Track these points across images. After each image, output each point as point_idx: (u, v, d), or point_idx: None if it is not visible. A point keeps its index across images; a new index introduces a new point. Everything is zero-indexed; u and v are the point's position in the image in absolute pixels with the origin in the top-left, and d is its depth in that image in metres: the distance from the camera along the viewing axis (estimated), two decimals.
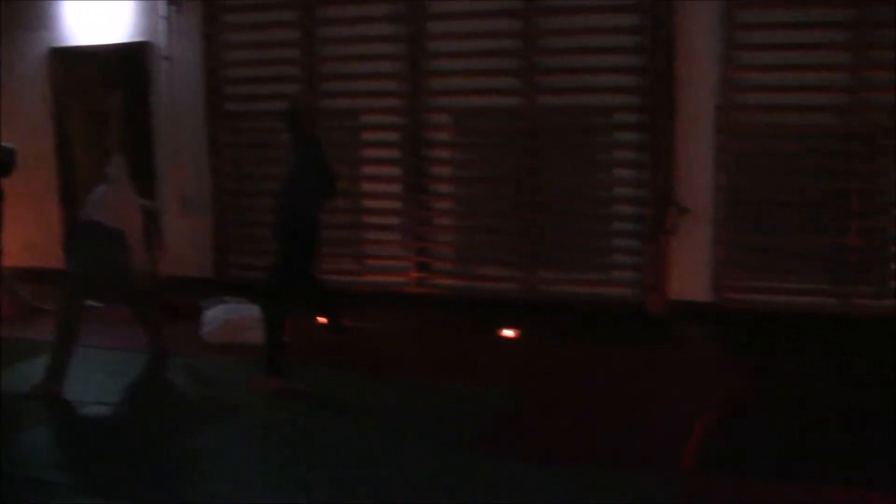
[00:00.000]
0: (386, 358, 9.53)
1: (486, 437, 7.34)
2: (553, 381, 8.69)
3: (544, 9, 10.96)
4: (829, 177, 10.48)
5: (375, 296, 11.63)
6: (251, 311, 9.88)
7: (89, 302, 9.25)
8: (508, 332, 10.17)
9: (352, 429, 7.53)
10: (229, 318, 10.14)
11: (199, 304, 10.71)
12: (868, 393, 8.20)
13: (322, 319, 10.06)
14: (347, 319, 9.95)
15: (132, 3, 12.46)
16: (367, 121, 11.97)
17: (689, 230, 10.59)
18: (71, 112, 13.15)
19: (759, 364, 9.11)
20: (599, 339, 10.06)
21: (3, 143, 10.88)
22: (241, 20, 12.14)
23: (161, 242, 9.75)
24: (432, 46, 11.45)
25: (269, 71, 12.02)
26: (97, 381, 8.71)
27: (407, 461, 6.86)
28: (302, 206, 8.84)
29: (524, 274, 11.30)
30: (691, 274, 10.69)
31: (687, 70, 10.50)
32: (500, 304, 11.17)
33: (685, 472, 6.64)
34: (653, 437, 7.25)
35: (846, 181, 10.34)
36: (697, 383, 8.56)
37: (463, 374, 8.94)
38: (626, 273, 10.99)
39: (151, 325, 9.42)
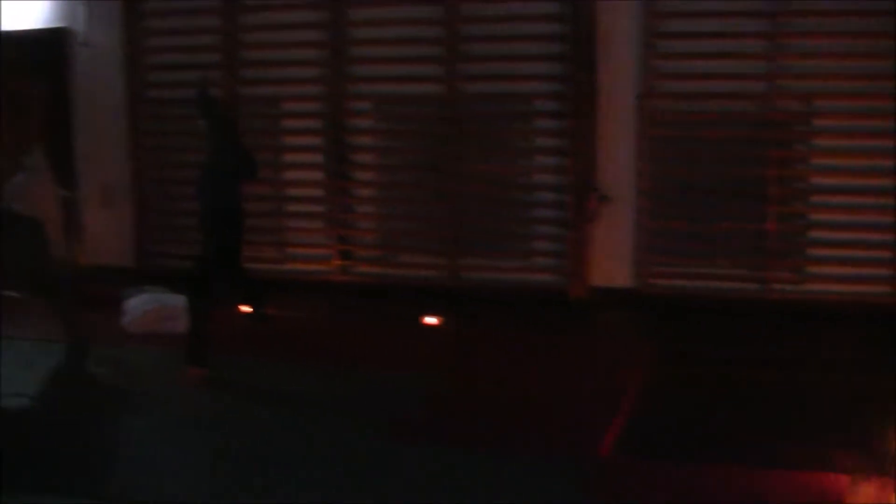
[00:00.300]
0: (309, 346, 9.49)
1: (407, 424, 7.34)
2: (475, 367, 8.71)
3: None
4: (749, 163, 10.55)
5: (298, 284, 11.56)
6: (174, 301, 9.80)
7: (6, 292, 9.14)
8: (431, 320, 10.18)
9: (275, 417, 7.51)
10: (151, 307, 10.05)
11: (121, 293, 10.61)
12: (785, 376, 8.31)
13: (245, 308, 10.01)
14: (271, 308, 9.91)
15: None
16: (289, 108, 11.89)
17: (611, 217, 10.63)
18: None
19: (680, 349, 9.18)
20: (522, 326, 10.08)
21: None
22: (161, 6, 11.97)
23: (81, 232, 9.64)
24: (353, 33, 11.40)
25: (190, 58, 11.87)
26: (15, 373, 8.60)
27: (330, 448, 6.85)
28: (222, 194, 8.78)
29: (447, 261, 11.29)
30: (613, 260, 10.73)
31: (608, 58, 10.53)
32: (423, 291, 11.16)
33: (605, 457, 6.69)
34: (573, 422, 7.29)
35: (765, 167, 10.43)
36: (618, 368, 8.61)
37: (385, 361, 8.93)
38: (548, 260, 11.02)
39: (69, 316, 9.30)
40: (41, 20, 12.34)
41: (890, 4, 9.93)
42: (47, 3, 12.30)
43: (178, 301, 9.38)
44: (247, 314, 9.96)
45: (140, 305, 10.13)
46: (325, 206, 11.77)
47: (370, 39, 11.31)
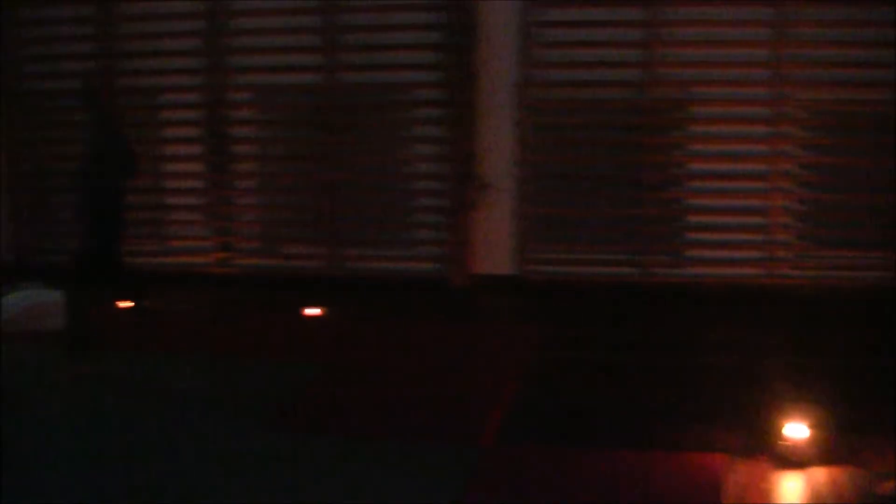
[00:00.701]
0: (191, 339, 9.39)
1: (290, 413, 7.28)
2: (359, 355, 8.66)
3: None
4: (627, 150, 10.63)
5: (180, 277, 11.40)
6: (52, 297, 9.64)
7: None
8: (313, 310, 10.12)
9: (157, 409, 7.41)
10: (28, 304, 9.89)
11: None
12: (665, 359, 8.41)
13: (126, 302, 9.87)
14: (152, 301, 9.79)
15: None
16: (168, 99, 11.73)
17: (491, 205, 10.63)
18: None
19: (562, 334, 9.21)
20: (404, 314, 10.05)
21: None
22: None
23: None
24: (233, 24, 11.28)
25: (67, 48, 11.65)
26: None
27: (211, 438, 6.79)
28: (103, 187, 8.65)
29: (328, 251, 11.22)
30: (493, 247, 10.73)
31: (487, 47, 10.53)
32: (306, 281, 11.10)
33: (487, 441, 6.70)
34: (457, 409, 7.29)
35: (642, 154, 10.54)
36: (500, 354, 8.64)
37: (267, 351, 8.83)
38: (429, 248, 10.99)
39: None
40: None
41: None
42: None
43: (56, 297, 9.22)
44: (127, 308, 9.82)
45: (18, 302, 9.94)
46: (205, 198, 11.60)
47: (249, 29, 11.17)
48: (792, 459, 6.20)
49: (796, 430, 6.31)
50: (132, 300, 9.67)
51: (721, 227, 10.52)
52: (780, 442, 6.30)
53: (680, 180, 10.69)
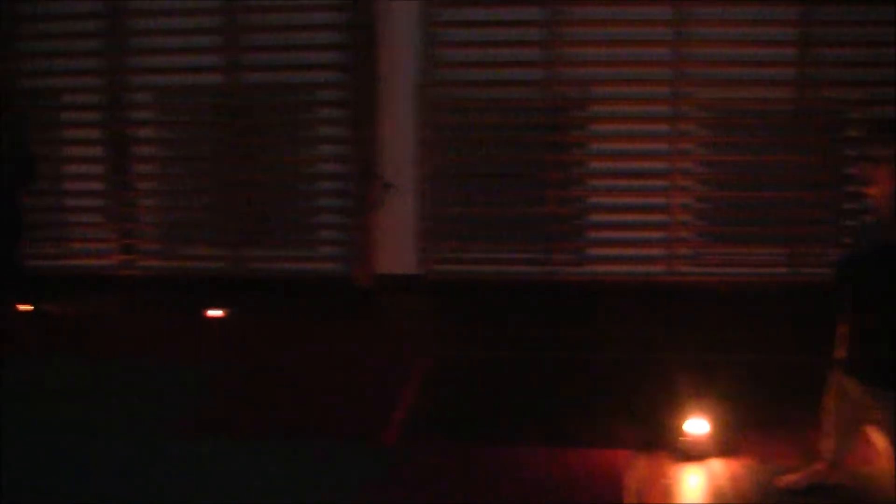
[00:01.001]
0: (92, 341, 9.21)
1: (195, 415, 7.15)
2: (262, 356, 8.56)
3: None
4: (529, 148, 10.60)
5: (81, 280, 11.17)
6: None
7: None
8: (216, 312, 9.96)
9: (56, 413, 7.26)
10: None
11: None
12: (569, 356, 8.39)
13: (26, 306, 9.69)
14: (52, 305, 9.62)
15: None
16: (68, 101, 11.48)
17: (394, 204, 10.52)
18: None
19: (466, 333, 9.18)
20: (308, 315, 9.91)
21: None
22: None
23: None
24: (133, 24, 11.06)
25: None
26: None
27: (111, 440, 6.65)
28: (1, 190, 8.48)
29: (231, 252, 11.05)
30: (397, 247, 10.63)
31: (389, 46, 10.43)
32: (209, 283, 10.94)
33: (391, 441, 6.64)
34: (361, 408, 7.22)
35: (545, 153, 10.52)
36: (404, 354, 8.56)
37: (171, 354, 8.69)
38: (333, 248, 10.87)
39: None
40: None
41: None
42: None
43: None
44: (27, 312, 9.63)
45: None
46: (106, 200, 11.37)
47: (150, 30, 10.95)
48: (693, 454, 6.21)
49: (697, 425, 6.31)
50: (32, 303, 9.50)
51: (623, 225, 10.55)
52: (681, 437, 6.29)
53: (582, 179, 10.70)
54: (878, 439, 4.87)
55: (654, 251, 10.58)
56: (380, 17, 10.38)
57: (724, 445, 6.34)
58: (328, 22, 10.56)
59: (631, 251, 10.58)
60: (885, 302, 4.82)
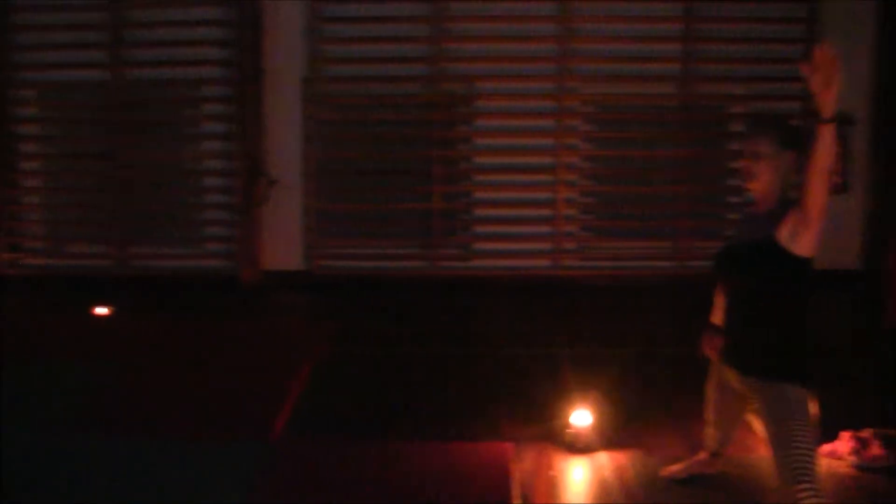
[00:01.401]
0: None
1: (81, 413, 6.96)
2: (148, 354, 8.35)
3: None
4: (414, 144, 10.53)
5: None
6: None
7: None
8: (103, 309, 9.73)
9: None
10: None
11: None
12: (454, 350, 8.33)
13: None
14: None
15: None
16: None
17: (280, 201, 10.37)
18: None
19: (352, 328, 9.08)
20: (194, 312, 9.69)
21: None
22: None
23: None
24: (16, 19, 10.76)
25: None
26: None
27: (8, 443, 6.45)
28: None
29: (116, 250, 10.81)
30: (283, 243, 10.49)
31: (274, 42, 10.29)
32: (95, 281, 10.68)
33: (279, 437, 6.52)
34: (248, 405, 7.08)
35: (430, 148, 10.45)
36: (291, 350, 8.43)
37: (57, 352, 8.48)
38: (219, 245, 10.68)
39: None
40: None
41: None
42: None
43: None
44: None
45: None
46: None
47: (34, 25, 10.67)
48: (578, 446, 6.18)
49: (583, 417, 6.27)
50: None
51: (508, 220, 10.52)
52: (567, 430, 6.25)
53: (467, 174, 10.66)
54: (758, 427, 4.86)
55: (540, 245, 10.56)
56: (265, 12, 10.24)
57: (609, 437, 6.31)
58: (213, 18, 10.38)
59: (516, 246, 10.55)
60: (760, 294, 4.81)
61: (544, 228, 10.54)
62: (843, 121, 10.18)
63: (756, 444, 5.74)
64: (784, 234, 4.65)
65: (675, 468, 5.81)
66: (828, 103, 4.29)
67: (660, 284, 10.35)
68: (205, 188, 10.76)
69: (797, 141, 4.84)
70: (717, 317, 5.25)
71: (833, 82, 4.25)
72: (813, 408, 4.76)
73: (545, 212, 10.49)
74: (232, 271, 10.49)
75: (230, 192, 10.49)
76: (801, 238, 4.61)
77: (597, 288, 10.40)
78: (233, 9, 10.26)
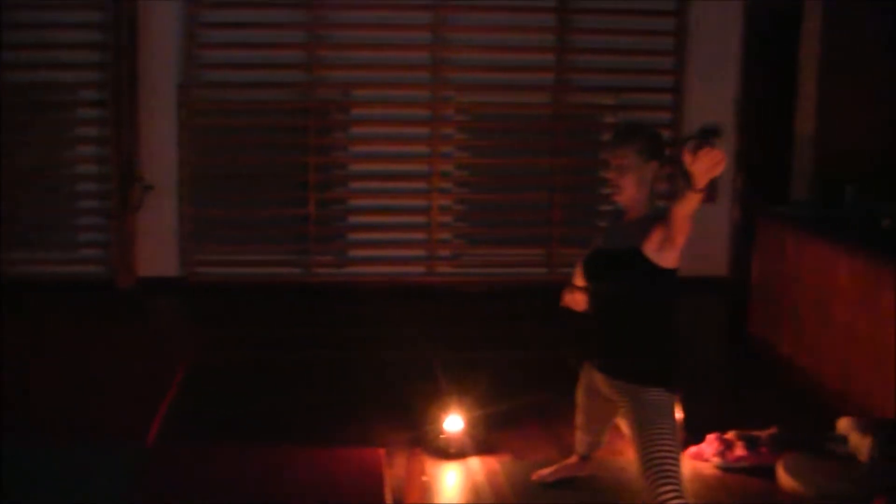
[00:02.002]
0: None
1: None
2: (22, 359, 8.20)
3: None
4: (290, 151, 10.48)
5: None
6: None
7: None
8: None
9: None
10: None
11: None
12: (329, 356, 8.32)
13: None
14: None
15: None
16: None
17: (155, 206, 10.20)
18: None
19: (226, 335, 9.01)
20: (69, 318, 9.55)
21: None
22: None
23: None
24: None
25: None
26: None
27: None
28: None
29: None
30: (158, 249, 10.30)
31: (149, 47, 10.12)
32: None
33: (153, 442, 6.43)
34: (121, 411, 6.99)
35: (306, 155, 10.38)
36: (165, 357, 8.34)
37: None
38: (94, 251, 10.48)
39: None
40: None
41: None
42: None
43: None
44: None
45: None
46: None
47: None
48: (451, 451, 6.18)
49: (455, 422, 6.28)
50: None
51: (384, 227, 10.50)
52: (440, 435, 6.25)
53: (342, 181, 10.61)
54: (627, 430, 4.91)
55: (415, 252, 10.59)
56: (140, 16, 10.06)
57: (481, 442, 6.33)
58: (88, 21, 10.16)
59: (391, 252, 10.54)
60: (626, 301, 4.87)
61: (419, 235, 10.54)
62: (710, 132, 10.43)
63: (625, 447, 5.80)
64: (650, 247, 4.68)
65: (545, 472, 5.84)
66: (702, 181, 4.30)
67: (532, 291, 10.41)
68: (79, 193, 10.54)
69: (661, 151, 4.89)
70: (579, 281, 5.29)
71: (713, 172, 4.28)
72: (678, 411, 4.83)
73: (420, 219, 10.51)
74: (107, 277, 10.30)
75: (105, 197, 10.30)
76: (666, 253, 4.67)
77: (470, 294, 10.45)
78: (108, 12, 10.06)
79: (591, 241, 5.37)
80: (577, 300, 5.25)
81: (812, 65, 9.11)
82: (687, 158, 4.28)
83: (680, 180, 4.46)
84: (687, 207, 4.45)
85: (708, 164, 4.26)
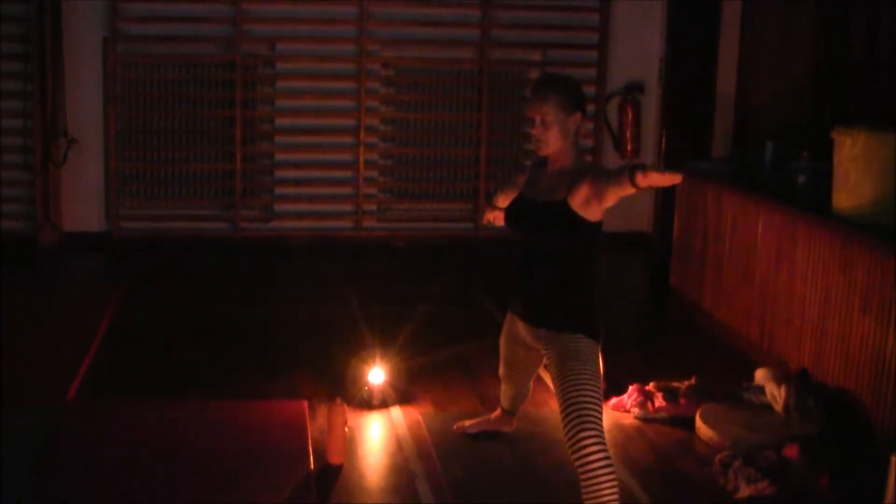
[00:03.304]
0: None
1: None
2: None
3: None
4: (216, 105, 10.38)
5: None
6: None
7: None
8: None
9: None
10: None
11: None
12: (253, 311, 8.35)
13: None
14: None
15: None
16: None
17: (80, 161, 10.10)
18: None
19: (151, 290, 8.96)
20: None
21: None
22: None
23: None
24: None
25: None
26: None
27: None
28: None
29: None
30: (83, 204, 10.19)
31: (73, 0, 10.08)
32: None
33: (73, 399, 6.42)
34: (43, 368, 6.95)
35: (231, 109, 10.33)
36: (90, 312, 8.29)
37: None
38: (16, 206, 10.34)
39: None
40: None
41: None
42: None
43: None
44: None
45: None
46: None
47: None
48: (373, 403, 6.26)
49: (377, 374, 6.33)
50: None
51: (310, 182, 10.49)
52: (363, 387, 6.31)
53: (269, 135, 10.57)
54: (550, 381, 4.95)
55: (341, 207, 10.59)
56: None
57: (404, 394, 6.42)
58: None
59: (318, 207, 10.54)
60: (550, 251, 4.89)
61: (345, 190, 10.54)
62: (633, 88, 10.54)
63: (549, 399, 5.88)
64: (575, 201, 4.68)
65: (467, 423, 5.91)
66: (644, 186, 4.33)
67: (459, 245, 10.49)
68: (2, 147, 10.39)
69: (582, 100, 4.87)
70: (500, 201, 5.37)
71: (663, 184, 4.30)
72: (600, 361, 4.88)
73: (346, 174, 10.50)
74: (31, 233, 10.18)
75: (28, 151, 10.17)
76: (592, 208, 4.68)
77: (397, 249, 10.49)
78: None
79: (508, 181, 5.44)
80: (497, 217, 5.36)
81: (734, 23, 9.21)
82: (640, 181, 4.29)
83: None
84: (622, 193, 4.48)
85: (661, 183, 4.31)
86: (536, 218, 4.89)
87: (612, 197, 4.57)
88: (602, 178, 4.61)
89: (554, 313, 4.87)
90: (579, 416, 4.54)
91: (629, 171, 4.35)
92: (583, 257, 4.90)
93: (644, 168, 4.29)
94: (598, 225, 4.78)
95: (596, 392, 4.65)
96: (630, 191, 4.42)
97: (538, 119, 4.80)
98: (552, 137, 4.80)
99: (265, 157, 10.61)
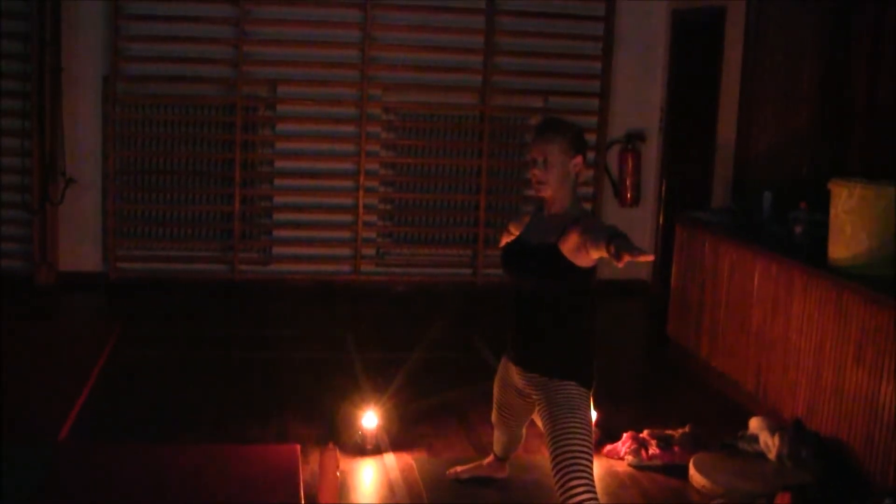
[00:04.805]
0: None
1: None
2: None
3: None
4: (216, 147, 10.48)
5: None
6: None
7: None
8: None
9: None
10: None
11: None
12: (251, 354, 8.41)
13: None
14: None
15: None
16: None
17: (77, 200, 10.20)
18: None
19: (148, 331, 8.98)
20: None
21: None
22: None
23: None
24: None
25: None
26: None
27: None
28: None
29: None
30: (81, 244, 10.30)
31: (74, 38, 10.08)
32: None
33: (67, 440, 6.46)
34: (38, 408, 6.99)
35: (232, 151, 10.41)
36: (84, 352, 8.32)
37: None
38: (13, 245, 10.39)
39: None
40: None
41: None
42: None
43: None
44: None
45: None
46: None
47: None
48: (366, 448, 6.31)
49: (370, 419, 6.38)
50: None
51: (309, 225, 10.58)
52: (357, 432, 6.38)
53: (269, 178, 10.66)
54: (542, 427, 5.00)
55: (340, 251, 10.67)
56: (64, 6, 10.03)
57: (397, 439, 6.49)
58: (11, 10, 10.09)
59: (316, 251, 10.62)
60: (544, 296, 4.95)
61: (344, 234, 10.63)
62: (634, 136, 10.66)
63: (541, 446, 5.92)
64: (566, 247, 4.75)
65: (459, 469, 5.96)
66: (625, 260, 4.35)
67: (456, 291, 10.57)
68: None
69: (584, 146, 4.97)
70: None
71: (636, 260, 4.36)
72: (593, 409, 4.94)
73: (345, 217, 10.59)
74: (27, 272, 10.26)
75: (26, 190, 10.26)
76: (581, 255, 4.73)
77: (395, 294, 10.59)
78: (32, 2, 10.00)
79: (507, 223, 5.52)
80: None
81: (734, 73, 9.31)
82: (614, 258, 4.34)
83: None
84: (602, 255, 4.54)
85: (635, 259, 4.34)
86: (526, 259, 4.96)
87: (595, 254, 4.65)
88: (590, 232, 4.67)
89: (545, 359, 4.93)
90: (569, 464, 4.60)
91: (606, 240, 4.43)
92: (575, 303, 4.95)
93: (618, 246, 4.35)
94: (588, 271, 4.84)
95: (586, 440, 4.71)
96: (603, 254, 4.49)
97: (541, 159, 4.88)
98: (552, 178, 4.87)
99: (264, 199, 10.70)
